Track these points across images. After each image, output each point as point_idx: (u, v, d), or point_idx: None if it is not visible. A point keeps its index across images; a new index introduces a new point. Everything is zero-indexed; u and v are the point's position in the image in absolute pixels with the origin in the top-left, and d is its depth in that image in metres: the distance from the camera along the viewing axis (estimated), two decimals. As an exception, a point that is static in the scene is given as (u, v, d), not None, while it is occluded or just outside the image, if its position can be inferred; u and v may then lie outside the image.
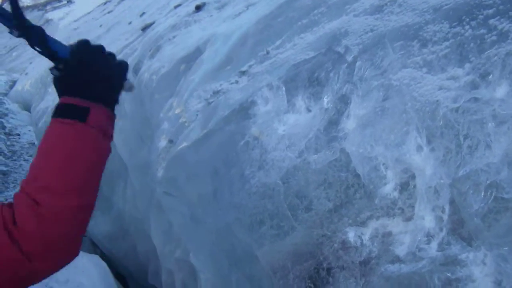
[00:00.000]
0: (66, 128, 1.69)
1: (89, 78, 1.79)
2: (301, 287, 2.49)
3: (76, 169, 1.66)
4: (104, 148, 1.79)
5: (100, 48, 1.87)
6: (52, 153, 1.68)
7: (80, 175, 1.66)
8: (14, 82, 22.87)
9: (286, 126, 2.85)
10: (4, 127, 16.77)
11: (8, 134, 16.21)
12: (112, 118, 1.87)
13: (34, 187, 1.60)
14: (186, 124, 3.74)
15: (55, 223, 1.57)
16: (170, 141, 3.90)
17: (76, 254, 1.72)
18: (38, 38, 1.84)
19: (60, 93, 1.79)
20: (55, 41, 1.87)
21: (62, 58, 1.83)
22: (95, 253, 8.05)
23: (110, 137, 1.83)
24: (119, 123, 6.29)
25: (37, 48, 1.85)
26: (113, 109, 1.88)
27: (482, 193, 1.82)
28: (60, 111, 1.74)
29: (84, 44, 1.85)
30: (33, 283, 1.62)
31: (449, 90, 2.07)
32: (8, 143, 15.32)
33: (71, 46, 1.86)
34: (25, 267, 1.52)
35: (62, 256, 1.67)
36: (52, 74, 1.85)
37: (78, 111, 1.72)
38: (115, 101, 1.89)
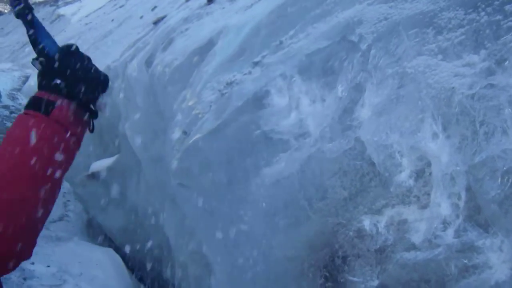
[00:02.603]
0: (27, 118, 1.66)
1: (66, 76, 1.76)
2: (317, 276, 2.50)
3: (26, 160, 1.57)
4: (65, 145, 1.71)
5: (85, 56, 1.86)
6: (6, 140, 1.62)
7: (30, 167, 1.57)
8: (27, 78, 22.96)
9: (300, 115, 2.84)
10: (17, 122, 16.87)
11: (22, 129, 16.32)
12: (81, 118, 1.82)
13: None
14: (199, 115, 3.75)
15: None
16: (184, 133, 3.90)
17: (20, 257, 1.61)
18: (33, 27, 1.86)
19: (39, 87, 1.79)
20: (48, 37, 1.89)
21: (47, 54, 1.84)
22: (109, 246, 8.10)
23: (75, 136, 1.77)
24: (132, 117, 6.33)
25: (31, 35, 1.87)
26: (85, 111, 1.84)
27: (499, 180, 1.81)
28: (29, 103, 1.72)
29: (70, 47, 1.83)
30: None
31: (464, 77, 2.06)
32: (22, 138, 15.42)
33: (60, 46, 1.87)
34: None
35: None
36: (33, 65, 1.86)
37: (44, 104, 1.69)
38: (88, 103, 1.85)
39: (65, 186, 11.06)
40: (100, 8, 26.15)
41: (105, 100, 1.90)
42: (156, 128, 5.52)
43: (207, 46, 4.62)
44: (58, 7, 36.48)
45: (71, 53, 1.82)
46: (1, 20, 47.73)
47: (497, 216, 1.82)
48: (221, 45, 4.36)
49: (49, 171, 1.64)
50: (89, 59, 1.86)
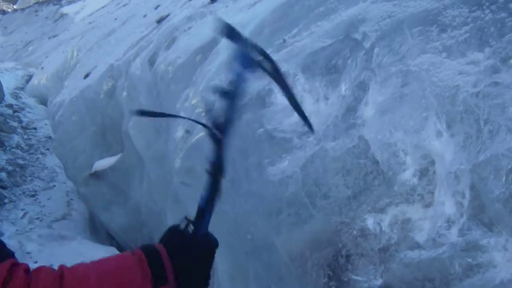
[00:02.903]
0: (141, 277, 1.61)
1: (193, 268, 1.75)
2: (320, 275, 2.49)
3: None
4: None
5: (212, 263, 1.87)
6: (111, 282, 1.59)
7: None
8: (30, 76, 23.01)
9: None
10: (21, 121, 16.92)
11: (25, 128, 16.37)
12: None
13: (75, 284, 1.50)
14: (202, 114, 3.74)
15: None
16: (187, 131, 3.90)
17: None
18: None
19: (166, 244, 1.75)
20: (208, 221, 1.90)
21: (198, 234, 1.83)
22: (112, 245, 8.11)
23: None
24: (135, 116, 6.31)
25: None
26: None
27: (503, 178, 1.80)
28: (152, 255, 1.66)
29: (212, 248, 1.86)
30: None
31: (469, 75, 2.05)
32: (25, 137, 15.48)
33: (207, 234, 1.87)
34: None
35: None
36: (181, 222, 1.84)
37: (162, 275, 1.65)
38: None
39: (69, 185, 11.08)
40: (103, 7, 26.18)
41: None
42: (159, 127, 5.52)
43: (210, 45, 4.61)
44: (61, 6, 36.50)
45: (208, 252, 1.83)
46: (5, 19, 47.82)
47: (501, 215, 1.81)
48: (224, 44, 4.35)
49: None
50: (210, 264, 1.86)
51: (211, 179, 1.83)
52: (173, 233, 1.80)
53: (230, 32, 1.97)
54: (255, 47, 1.96)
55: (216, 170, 1.83)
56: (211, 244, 1.85)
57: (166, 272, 1.65)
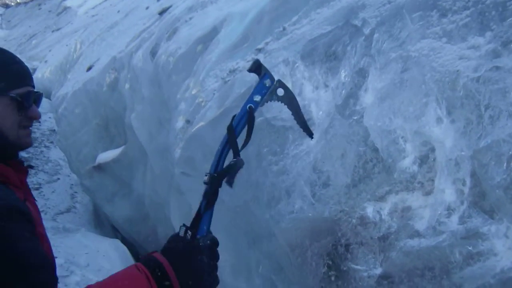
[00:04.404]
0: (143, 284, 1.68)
1: (193, 274, 1.82)
2: (320, 264, 2.46)
3: None
4: None
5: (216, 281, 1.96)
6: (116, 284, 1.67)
7: None
8: (34, 70, 23.00)
9: (303, 101, 2.80)
10: (25, 114, 16.94)
11: (29, 121, 16.38)
12: None
13: None
14: (202, 103, 3.71)
15: None
16: (187, 121, 3.88)
17: None
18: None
19: (166, 252, 1.81)
20: (209, 222, 2.01)
21: (195, 235, 1.92)
22: (116, 237, 8.11)
23: None
24: (138, 108, 6.30)
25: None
26: None
27: (505, 164, 1.77)
28: (155, 268, 1.73)
29: (211, 247, 1.96)
30: None
31: (469, 60, 2.01)
32: (29, 130, 15.50)
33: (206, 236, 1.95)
34: None
35: None
36: (179, 229, 1.90)
37: (168, 285, 1.72)
38: None
39: (73, 178, 11.09)
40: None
41: None
42: (161, 118, 5.50)
43: (211, 34, 4.58)
44: (64, -1, 36.43)
45: (210, 251, 1.93)
46: (8, 13, 47.89)
47: (502, 202, 1.78)
48: (224, 33, 4.32)
49: None
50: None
51: (209, 188, 1.97)
52: (173, 240, 1.88)
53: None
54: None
55: (214, 181, 1.92)
56: (209, 244, 1.95)
57: (171, 282, 1.73)
